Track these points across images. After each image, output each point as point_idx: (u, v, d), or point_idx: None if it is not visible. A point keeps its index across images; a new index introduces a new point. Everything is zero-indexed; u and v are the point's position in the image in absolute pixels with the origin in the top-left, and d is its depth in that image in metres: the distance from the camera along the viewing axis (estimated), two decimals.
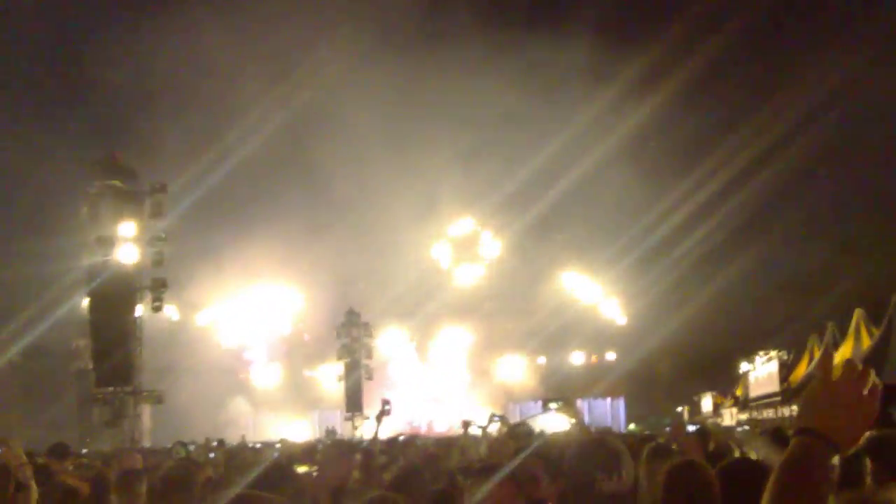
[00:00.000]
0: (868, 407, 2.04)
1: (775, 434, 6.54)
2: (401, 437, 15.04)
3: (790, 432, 2.12)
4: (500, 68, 48.22)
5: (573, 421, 7.85)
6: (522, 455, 5.90)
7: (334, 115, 48.53)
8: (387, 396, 10.11)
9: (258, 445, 20.86)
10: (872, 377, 2.06)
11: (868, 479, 4.43)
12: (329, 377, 47.83)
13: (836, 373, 2.09)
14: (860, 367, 2.08)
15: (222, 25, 45.79)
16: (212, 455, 16.16)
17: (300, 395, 50.28)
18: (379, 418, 9.28)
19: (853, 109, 46.48)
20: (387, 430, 16.69)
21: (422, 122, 49.49)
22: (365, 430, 39.01)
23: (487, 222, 54.94)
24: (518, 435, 7.86)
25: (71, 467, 9.59)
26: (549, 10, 70.17)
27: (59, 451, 10.46)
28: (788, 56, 56.19)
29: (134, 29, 54.66)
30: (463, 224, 55.06)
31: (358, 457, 6.86)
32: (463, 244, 55.23)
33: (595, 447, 3.63)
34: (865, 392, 2.04)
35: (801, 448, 2.02)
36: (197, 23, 46.87)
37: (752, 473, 4.23)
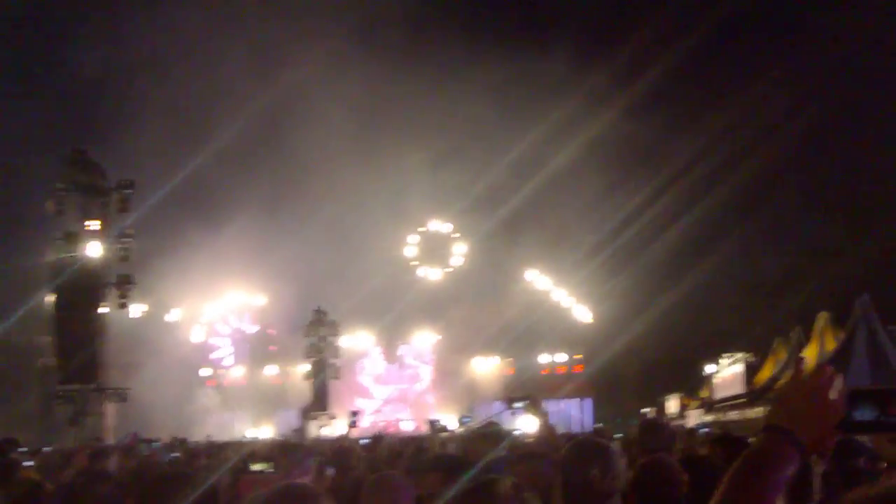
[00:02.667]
0: (834, 409, 2.11)
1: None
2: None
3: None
4: (473, 75, 48.44)
5: (539, 420, 7.82)
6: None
7: (306, 114, 48.32)
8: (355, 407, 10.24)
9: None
10: (840, 381, 2.13)
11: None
12: (295, 376, 47.62)
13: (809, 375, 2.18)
14: (831, 370, 2.15)
15: (194, 21, 45.45)
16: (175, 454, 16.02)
17: (265, 394, 49.98)
18: (349, 430, 9.50)
19: (817, 115, 47.01)
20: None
21: (394, 124, 49.57)
22: (332, 430, 38.78)
23: (456, 224, 54.95)
24: (489, 436, 7.78)
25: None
26: (521, 25, 72.21)
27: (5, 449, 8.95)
28: (752, 62, 56.76)
29: (104, 23, 54.17)
30: (432, 226, 55.04)
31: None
32: (432, 246, 55.19)
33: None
34: (833, 396, 2.11)
35: (768, 443, 2.10)
36: (168, 18, 46.58)
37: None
